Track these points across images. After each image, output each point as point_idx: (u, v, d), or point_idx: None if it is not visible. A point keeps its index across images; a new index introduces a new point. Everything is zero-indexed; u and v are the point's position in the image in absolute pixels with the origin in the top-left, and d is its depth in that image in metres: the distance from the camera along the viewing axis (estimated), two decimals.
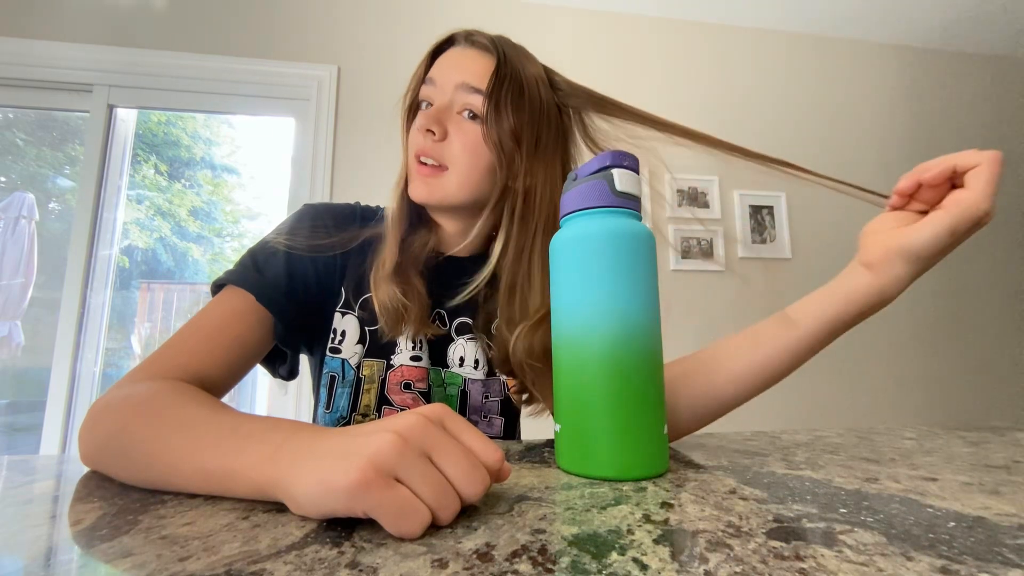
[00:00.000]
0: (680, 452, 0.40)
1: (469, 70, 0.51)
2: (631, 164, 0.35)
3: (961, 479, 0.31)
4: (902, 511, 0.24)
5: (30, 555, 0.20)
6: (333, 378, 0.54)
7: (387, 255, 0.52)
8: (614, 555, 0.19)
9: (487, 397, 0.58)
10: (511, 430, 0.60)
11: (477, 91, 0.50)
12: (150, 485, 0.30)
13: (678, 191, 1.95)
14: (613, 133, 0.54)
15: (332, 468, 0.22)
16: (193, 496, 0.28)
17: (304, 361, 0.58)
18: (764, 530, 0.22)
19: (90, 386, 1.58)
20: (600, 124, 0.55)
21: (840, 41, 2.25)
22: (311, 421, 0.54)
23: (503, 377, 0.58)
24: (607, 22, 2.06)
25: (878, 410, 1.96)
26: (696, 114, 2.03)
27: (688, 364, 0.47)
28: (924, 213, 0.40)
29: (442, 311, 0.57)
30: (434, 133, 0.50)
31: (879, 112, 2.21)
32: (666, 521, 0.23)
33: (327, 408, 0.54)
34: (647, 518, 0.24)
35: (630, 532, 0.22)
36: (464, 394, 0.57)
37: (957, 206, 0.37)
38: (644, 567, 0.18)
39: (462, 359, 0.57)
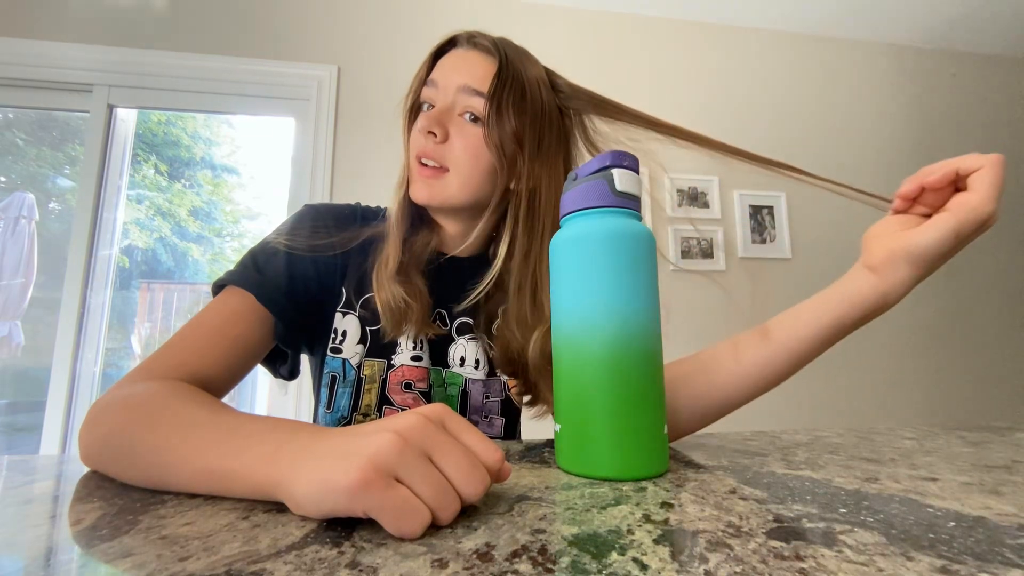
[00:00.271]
0: (680, 452, 0.40)
1: (471, 72, 0.51)
2: (631, 164, 0.35)
3: (961, 479, 0.31)
4: (902, 511, 0.24)
5: (30, 555, 0.20)
6: (334, 378, 0.54)
7: (390, 255, 0.52)
8: (614, 555, 0.19)
9: (488, 397, 0.58)
10: (511, 430, 0.60)
11: (479, 93, 0.50)
12: (150, 485, 0.30)
13: (678, 191, 1.95)
14: (613, 135, 0.54)
15: (332, 468, 0.22)
16: (193, 496, 0.28)
17: (305, 361, 0.58)
18: (764, 530, 0.22)
19: (90, 386, 1.58)
20: (601, 127, 0.55)
21: (840, 41, 2.25)
22: (311, 421, 0.54)
23: (504, 377, 0.58)
24: (607, 22, 2.06)
25: (878, 410, 1.96)
26: (696, 115, 2.03)
27: (689, 365, 0.47)
28: (928, 216, 0.40)
29: (443, 311, 0.57)
30: (435, 135, 0.50)
31: (879, 112, 2.21)
32: (666, 521, 0.23)
33: (328, 408, 0.54)
34: (647, 518, 0.24)
35: (630, 532, 0.22)
36: (465, 394, 0.57)
37: (961, 208, 0.37)
38: (644, 567, 0.18)
39: (463, 359, 0.57)
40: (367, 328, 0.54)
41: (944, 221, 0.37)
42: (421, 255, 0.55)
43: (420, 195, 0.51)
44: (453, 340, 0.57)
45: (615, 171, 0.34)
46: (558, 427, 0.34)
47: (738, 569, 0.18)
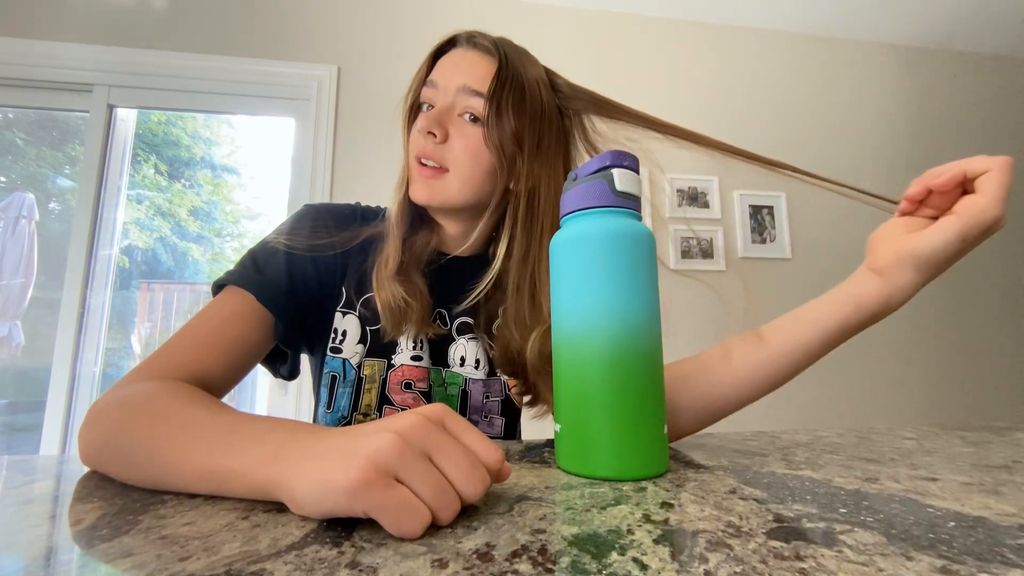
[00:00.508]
0: (680, 452, 0.40)
1: (470, 73, 0.51)
2: (631, 164, 0.35)
3: (961, 479, 0.31)
4: (902, 511, 0.24)
5: (30, 555, 0.20)
6: (334, 378, 0.54)
7: (390, 254, 0.52)
8: (614, 555, 0.19)
9: (488, 397, 0.58)
10: (511, 430, 0.60)
11: (478, 94, 0.50)
12: (150, 485, 0.30)
13: (678, 191, 1.95)
14: (612, 136, 0.54)
15: (332, 468, 0.22)
16: (193, 496, 0.28)
17: (305, 361, 0.58)
18: (764, 530, 0.22)
19: (90, 386, 1.58)
20: (600, 127, 0.55)
21: (841, 41, 2.25)
22: (312, 421, 0.54)
23: (504, 377, 0.58)
24: (607, 22, 2.06)
25: (878, 410, 1.96)
26: (696, 115, 2.03)
27: (689, 366, 0.47)
28: (934, 219, 0.39)
29: (443, 311, 0.57)
30: (435, 135, 0.50)
31: (879, 112, 2.21)
32: (666, 521, 0.23)
33: (328, 408, 0.54)
34: (647, 518, 0.24)
35: (630, 532, 0.22)
36: (465, 394, 0.57)
37: (968, 211, 0.37)
38: (644, 567, 0.18)
39: (463, 359, 0.57)
40: (367, 328, 0.54)
41: (951, 224, 0.37)
42: (421, 255, 0.55)
43: (420, 195, 0.51)
44: (453, 340, 0.57)
45: (615, 171, 0.34)
46: (558, 427, 0.34)
47: (738, 569, 0.18)
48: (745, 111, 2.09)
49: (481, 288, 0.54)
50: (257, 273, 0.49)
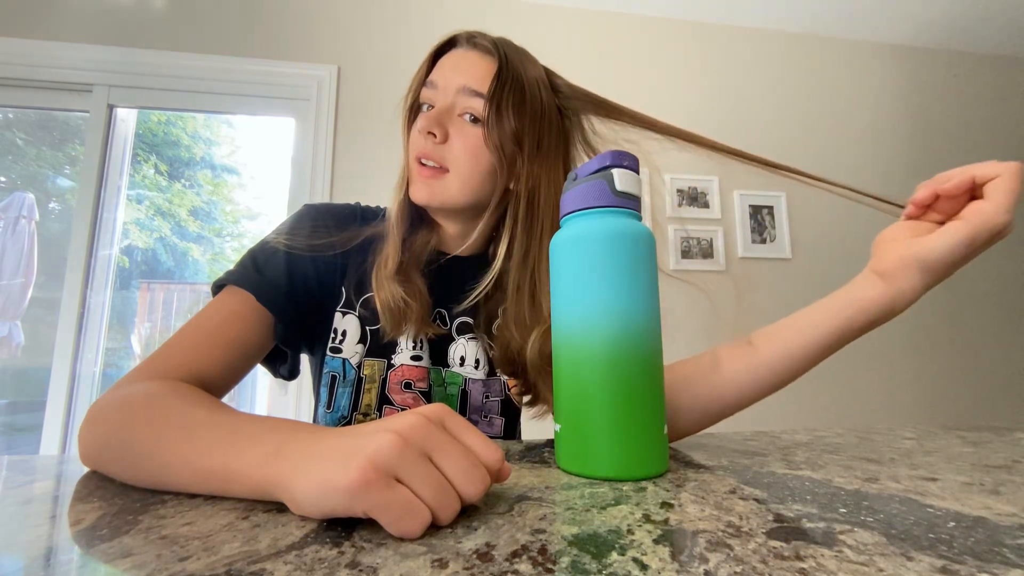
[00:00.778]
0: (680, 452, 0.40)
1: (470, 73, 0.51)
2: (631, 164, 0.35)
3: (961, 479, 0.31)
4: (902, 511, 0.24)
5: (30, 555, 0.20)
6: (334, 378, 0.54)
7: (389, 254, 0.52)
8: (614, 555, 0.19)
9: (487, 397, 0.58)
10: (511, 430, 0.60)
11: (478, 94, 0.50)
12: (150, 485, 0.30)
13: (678, 191, 1.95)
14: (611, 137, 0.54)
15: (332, 468, 0.22)
16: (193, 496, 0.28)
17: (305, 361, 0.58)
18: (764, 530, 0.22)
19: (90, 386, 1.58)
20: (599, 129, 0.55)
21: (840, 41, 2.25)
22: (312, 421, 0.54)
23: (504, 377, 0.58)
24: (606, 22, 2.06)
25: (878, 410, 1.96)
26: (696, 115, 2.03)
27: (690, 366, 0.47)
28: (941, 223, 0.39)
29: (443, 311, 0.57)
30: (435, 135, 0.50)
31: (880, 112, 2.21)
32: (666, 521, 0.23)
33: (328, 408, 0.54)
34: (647, 518, 0.24)
35: (630, 532, 0.22)
36: (464, 394, 0.57)
37: (976, 217, 0.36)
38: (644, 567, 0.18)
39: (463, 359, 0.57)
40: (367, 328, 0.54)
41: (958, 229, 0.37)
42: (421, 255, 0.55)
43: (420, 196, 0.51)
44: (453, 340, 0.57)
45: (615, 171, 0.34)
46: (558, 427, 0.34)
47: (738, 569, 0.18)
48: (745, 111, 2.09)
49: (481, 288, 0.54)
50: (257, 273, 0.49)
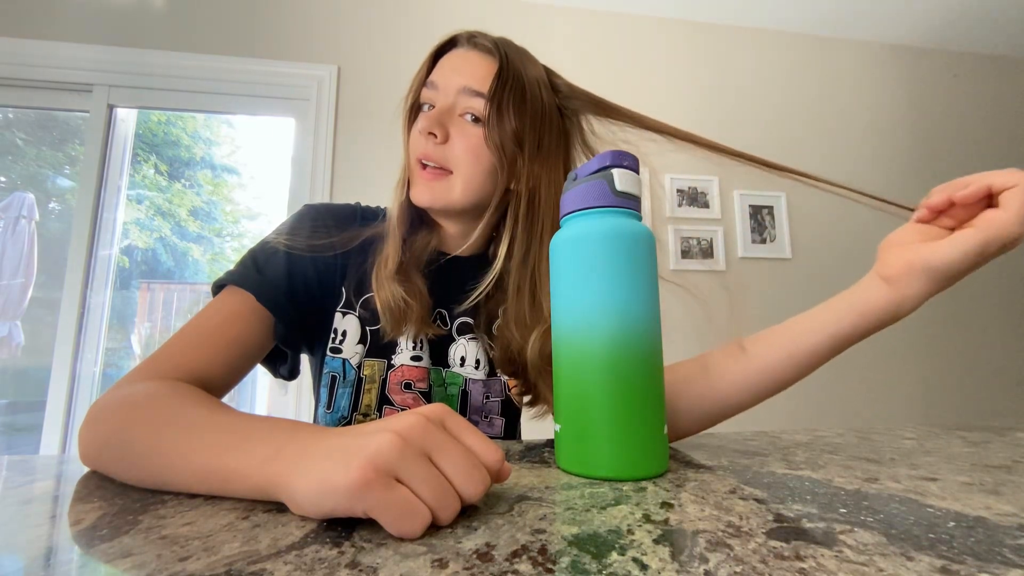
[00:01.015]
0: (680, 452, 0.40)
1: (471, 73, 0.51)
2: (631, 164, 0.35)
3: (961, 479, 0.31)
4: (902, 511, 0.24)
5: (30, 555, 0.20)
6: (334, 378, 0.54)
7: (389, 255, 0.52)
8: (614, 555, 0.19)
9: (488, 397, 0.58)
10: (511, 430, 0.60)
11: (479, 94, 0.50)
12: (150, 485, 0.30)
13: (678, 191, 1.95)
14: (610, 139, 0.54)
15: (332, 468, 0.22)
16: (193, 496, 0.28)
17: (305, 361, 0.58)
18: (764, 530, 0.22)
19: (90, 386, 1.58)
20: (599, 130, 0.55)
21: (840, 41, 2.25)
22: (312, 421, 0.54)
23: (504, 377, 0.58)
24: (606, 22, 2.06)
25: (878, 410, 1.96)
26: (696, 115, 2.03)
27: (691, 367, 0.47)
28: (951, 230, 0.39)
29: (443, 311, 0.57)
30: (436, 136, 0.50)
31: (879, 112, 2.21)
32: (666, 521, 0.23)
33: (328, 408, 0.54)
34: (647, 518, 0.24)
35: (630, 532, 0.22)
36: (465, 394, 0.57)
37: (990, 227, 0.36)
38: (644, 567, 0.18)
39: (463, 359, 0.57)
40: (367, 328, 0.54)
41: (970, 237, 0.36)
42: (421, 255, 0.55)
43: (422, 198, 0.51)
44: (453, 340, 0.57)
45: (615, 171, 0.34)
46: (558, 427, 0.34)
47: (738, 569, 0.18)
48: (745, 111, 2.09)
49: (482, 288, 0.54)
50: (257, 273, 0.49)
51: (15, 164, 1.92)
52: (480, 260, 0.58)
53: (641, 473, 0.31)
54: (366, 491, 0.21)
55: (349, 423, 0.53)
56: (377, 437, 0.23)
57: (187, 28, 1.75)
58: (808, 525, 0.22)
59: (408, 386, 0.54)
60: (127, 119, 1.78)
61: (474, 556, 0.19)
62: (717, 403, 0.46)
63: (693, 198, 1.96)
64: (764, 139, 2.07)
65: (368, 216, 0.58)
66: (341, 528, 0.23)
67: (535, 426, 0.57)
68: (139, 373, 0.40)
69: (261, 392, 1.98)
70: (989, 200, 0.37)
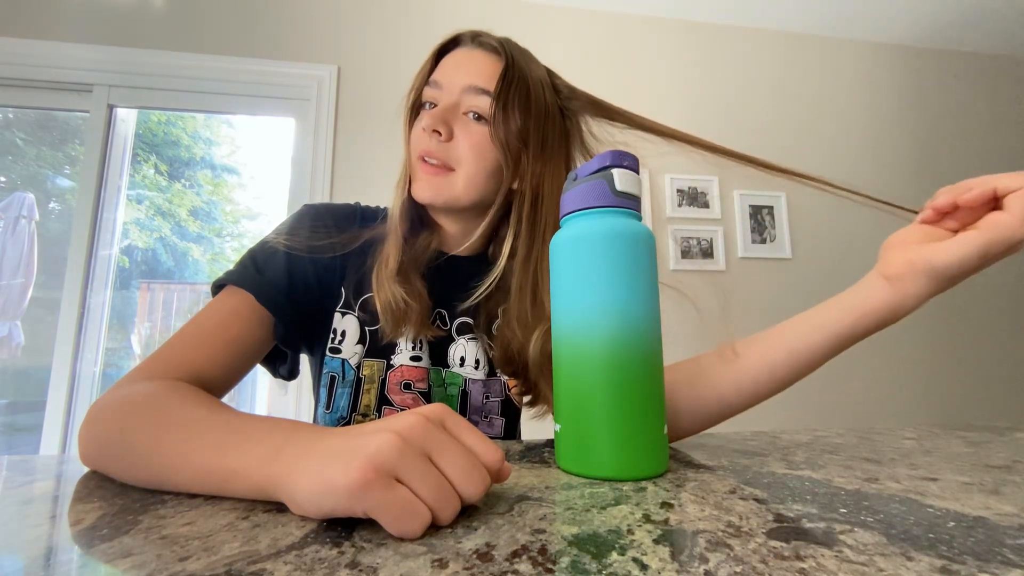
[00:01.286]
0: (680, 452, 0.40)
1: (476, 72, 0.51)
2: (631, 164, 0.35)
3: (961, 479, 0.31)
4: (902, 511, 0.24)
5: (30, 555, 0.20)
6: (333, 378, 0.54)
7: (389, 255, 0.52)
8: (614, 555, 0.19)
9: (488, 397, 0.58)
10: (511, 430, 0.60)
11: (484, 93, 0.50)
12: (150, 485, 0.30)
13: (678, 191, 1.95)
14: (609, 141, 0.54)
15: (332, 468, 0.22)
16: (193, 496, 0.28)
17: (304, 361, 0.58)
18: (764, 530, 0.22)
19: (90, 386, 1.58)
20: (597, 131, 0.55)
21: (840, 41, 2.25)
22: (311, 421, 0.54)
23: (504, 377, 0.58)
24: (606, 22, 2.06)
25: (878, 410, 1.96)
26: (695, 115, 2.03)
27: (691, 367, 0.47)
28: (954, 231, 0.39)
29: (443, 311, 0.57)
30: (440, 133, 0.50)
31: (879, 112, 2.21)
32: (666, 521, 0.23)
33: (327, 408, 0.54)
34: (647, 518, 0.24)
35: (630, 532, 0.22)
36: (464, 394, 0.57)
37: (995, 229, 0.36)
38: (644, 567, 0.18)
39: (463, 359, 0.57)
40: (366, 328, 0.54)
41: (973, 239, 0.36)
42: (421, 256, 0.55)
43: (424, 194, 0.51)
44: (453, 340, 0.57)
45: (615, 171, 0.34)
46: (558, 427, 0.34)
47: (738, 569, 0.18)
48: (745, 111, 2.09)
49: (484, 287, 0.54)
50: (257, 273, 0.49)
51: (15, 164, 1.92)
52: (479, 260, 0.58)
53: (641, 473, 0.31)
54: (366, 491, 0.21)
55: (348, 423, 0.53)
56: (377, 437, 0.23)
57: (187, 28, 1.75)
58: (808, 525, 0.22)
59: (407, 386, 0.54)
60: (127, 119, 1.78)
61: (474, 556, 0.19)
62: (717, 403, 0.46)
63: (693, 198, 1.96)
64: (763, 139, 2.07)
65: (368, 216, 0.58)
66: (341, 528, 0.23)
67: (535, 426, 0.57)
68: (139, 373, 0.40)
69: (261, 392, 1.98)
70: (994, 203, 0.37)
